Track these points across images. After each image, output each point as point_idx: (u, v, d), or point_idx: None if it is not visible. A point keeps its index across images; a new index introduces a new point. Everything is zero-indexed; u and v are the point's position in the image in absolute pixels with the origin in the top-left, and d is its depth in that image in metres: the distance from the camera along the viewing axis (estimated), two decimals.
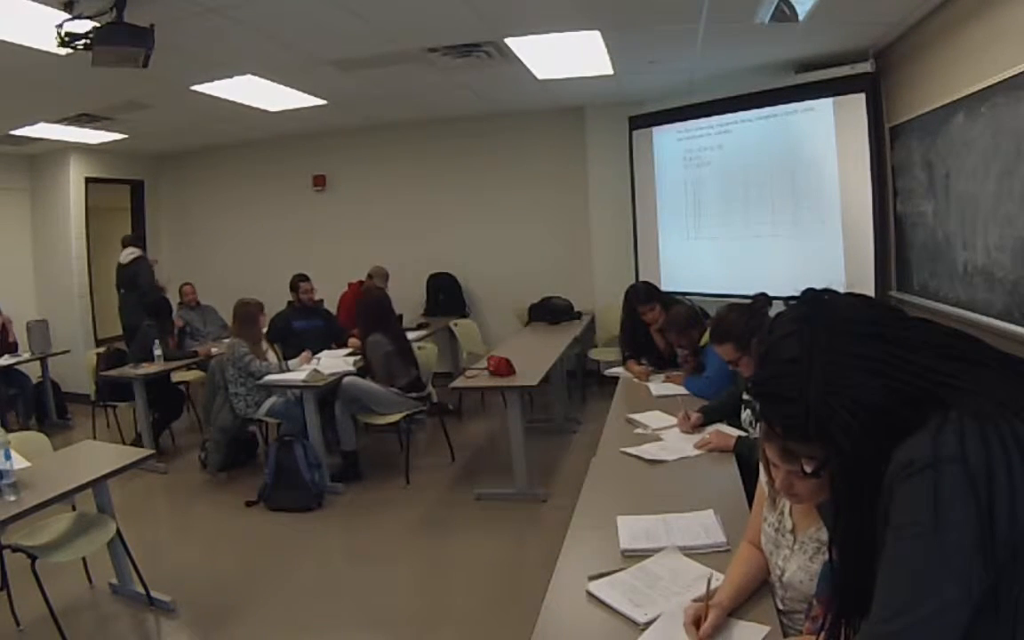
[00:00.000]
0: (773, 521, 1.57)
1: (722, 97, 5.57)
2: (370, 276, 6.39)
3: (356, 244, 7.23)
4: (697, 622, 1.39)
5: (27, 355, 6.25)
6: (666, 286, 5.78)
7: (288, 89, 5.16)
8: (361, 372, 4.81)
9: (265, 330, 5.21)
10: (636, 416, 3.01)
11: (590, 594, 1.57)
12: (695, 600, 1.46)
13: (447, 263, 7.24)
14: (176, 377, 5.81)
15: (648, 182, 6.35)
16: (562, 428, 5.52)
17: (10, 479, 2.58)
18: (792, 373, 0.93)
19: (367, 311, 4.84)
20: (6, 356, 6.12)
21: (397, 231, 7.32)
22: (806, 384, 0.91)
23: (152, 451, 4.12)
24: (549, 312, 6.45)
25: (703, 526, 1.85)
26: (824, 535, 1.41)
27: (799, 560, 1.47)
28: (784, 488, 1.28)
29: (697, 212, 6.00)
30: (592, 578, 1.61)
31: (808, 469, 1.04)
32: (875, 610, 0.85)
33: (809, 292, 1.01)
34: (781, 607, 1.52)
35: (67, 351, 6.54)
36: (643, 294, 4.18)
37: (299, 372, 4.73)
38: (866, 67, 4.67)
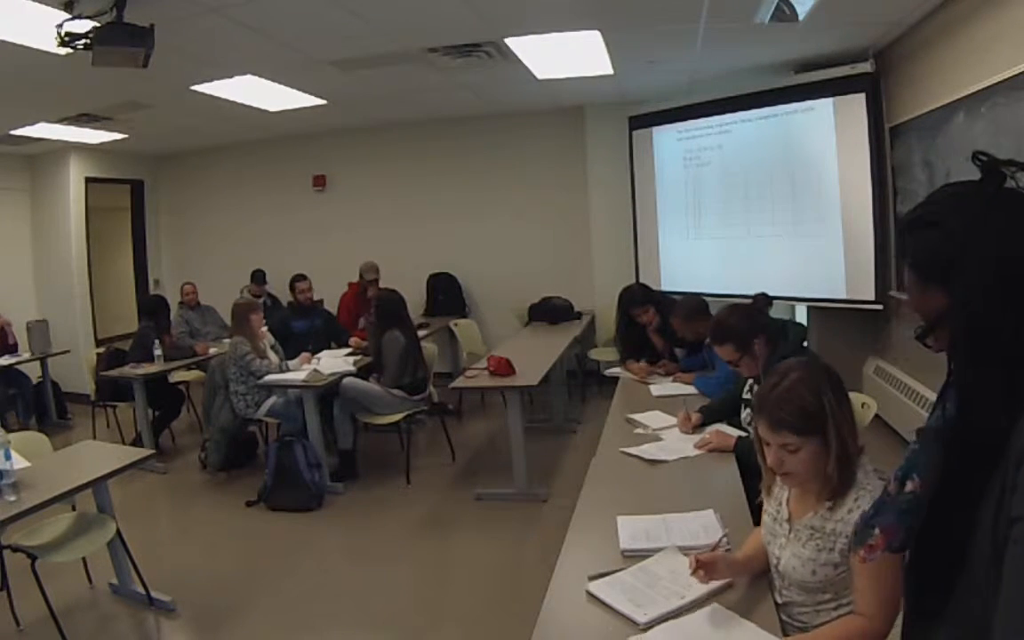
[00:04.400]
0: (772, 511, 1.61)
1: (722, 97, 5.57)
2: (362, 275, 6.36)
3: (356, 244, 7.20)
4: (702, 566, 1.48)
5: (27, 355, 6.24)
6: (666, 286, 5.79)
7: (288, 89, 5.16)
8: (362, 372, 4.82)
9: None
10: (636, 416, 3.01)
11: (590, 594, 1.58)
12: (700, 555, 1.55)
13: (447, 263, 7.24)
14: (176, 377, 5.80)
15: (648, 182, 6.35)
16: (562, 428, 5.51)
17: (10, 479, 2.59)
18: (951, 209, 0.86)
19: (387, 308, 4.83)
20: (6, 356, 6.11)
21: (397, 231, 7.32)
22: (958, 219, 0.83)
23: (152, 451, 4.11)
24: (549, 312, 6.44)
25: (703, 526, 1.86)
26: (816, 521, 1.44)
27: (793, 547, 1.51)
28: (775, 463, 1.34)
29: (697, 212, 6.00)
30: (592, 578, 1.62)
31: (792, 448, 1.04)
32: (1001, 624, 0.72)
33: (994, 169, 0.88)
34: (779, 600, 1.55)
35: (67, 351, 6.54)
36: (637, 296, 4.18)
37: (299, 372, 4.73)
38: (866, 67, 4.67)
